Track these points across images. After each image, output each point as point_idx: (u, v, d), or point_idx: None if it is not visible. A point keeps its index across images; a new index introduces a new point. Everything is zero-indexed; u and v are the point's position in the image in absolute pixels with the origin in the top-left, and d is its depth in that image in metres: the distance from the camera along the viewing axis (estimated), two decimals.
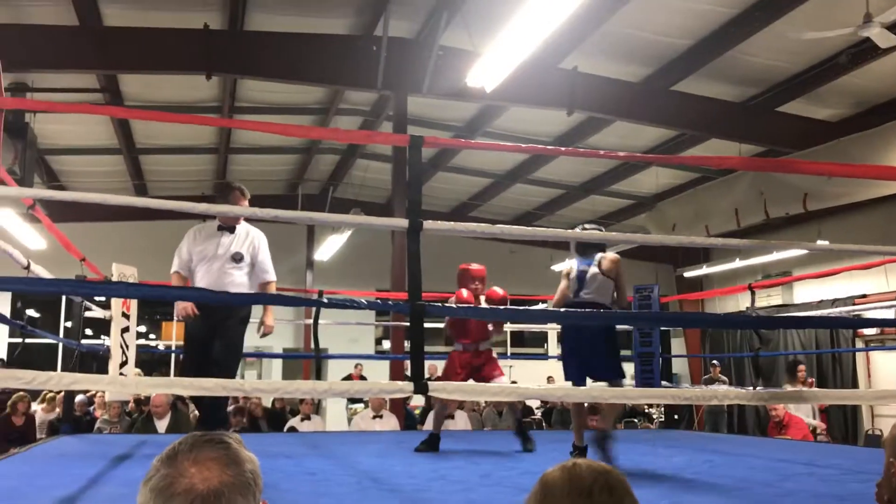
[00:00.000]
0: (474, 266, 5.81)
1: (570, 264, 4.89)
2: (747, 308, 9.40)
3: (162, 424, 7.30)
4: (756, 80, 9.71)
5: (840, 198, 10.14)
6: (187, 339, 4.79)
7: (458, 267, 5.89)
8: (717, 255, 15.48)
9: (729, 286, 12.65)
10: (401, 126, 9.88)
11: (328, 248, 14.23)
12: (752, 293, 7.42)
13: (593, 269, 4.73)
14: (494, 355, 5.87)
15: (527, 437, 5.62)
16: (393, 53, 9.28)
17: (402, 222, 3.10)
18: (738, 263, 13.54)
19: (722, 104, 10.27)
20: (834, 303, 11.70)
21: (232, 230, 4.82)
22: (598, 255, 4.78)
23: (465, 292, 5.65)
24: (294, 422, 8.72)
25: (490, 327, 5.80)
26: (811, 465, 4.79)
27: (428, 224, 3.09)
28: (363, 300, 3.17)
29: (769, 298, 14.47)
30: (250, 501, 1.12)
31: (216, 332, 4.55)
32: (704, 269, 15.04)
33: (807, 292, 13.65)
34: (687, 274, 15.63)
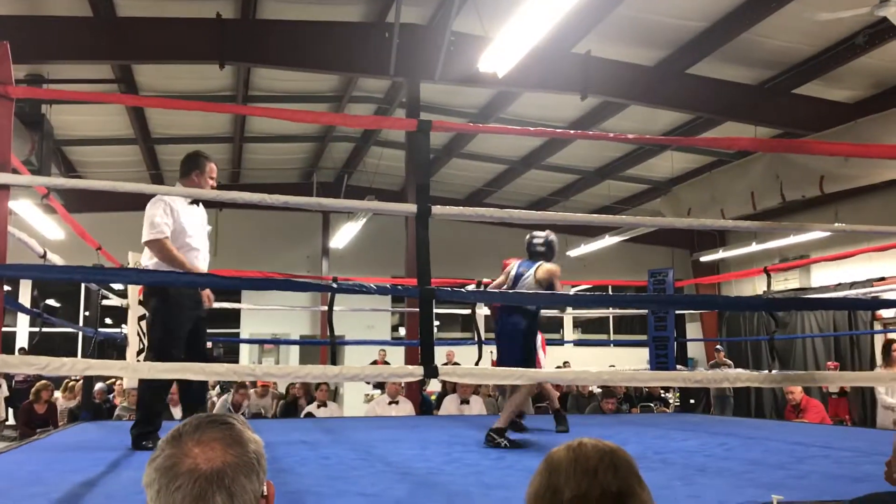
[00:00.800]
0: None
1: (514, 263, 5.24)
2: (764, 292, 9.37)
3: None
4: (772, 62, 9.62)
5: (857, 180, 10.04)
6: (178, 326, 4.23)
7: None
8: (733, 240, 15.40)
9: (745, 270, 12.59)
10: (414, 113, 9.88)
11: (343, 235, 14.28)
12: (768, 276, 7.39)
13: (528, 274, 5.07)
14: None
15: (561, 418, 5.67)
16: (405, 40, 9.27)
17: (411, 207, 3.12)
18: (754, 247, 13.46)
19: (737, 87, 10.18)
20: (852, 286, 11.60)
21: (198, 202, 4.40)
22: (539, 263, 5.10)
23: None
24: (311, 408, 8.79)
25: None
26: (827, 447, 4.77)
27: (437, 209, 3.10)
28: (373, 285, 3.20)
29: (786, 282, 14.39)
30: (254, 481, 1.14)
31: (202, 321, 4.41)
32: (720, 254, 14.97)
33: (824, 275, 13.56)
34: (703, 258, 15.56)
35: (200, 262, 4.33)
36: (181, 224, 4.21)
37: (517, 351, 4.94)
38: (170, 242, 4.12)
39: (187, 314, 4.26)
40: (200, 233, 4.35)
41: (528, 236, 5.36)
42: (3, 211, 2.73)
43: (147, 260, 4.19)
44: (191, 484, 1.09)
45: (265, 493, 1.17)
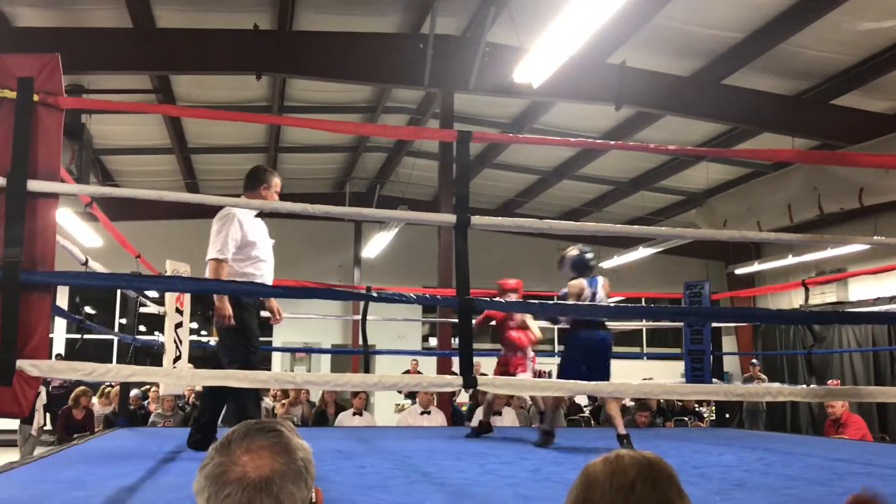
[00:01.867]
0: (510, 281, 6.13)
1: (582, 284, 5.29)
2: (801, 305, 9.23)
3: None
4: (810, 72, 9.51)
5: None
6: (251, 334, 4.30)
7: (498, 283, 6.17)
8: (769, 252, 15.21)
9: (781, 283, 12.42)
10: (447, 123, 9.91)
11: (375, 245, 14.34)
12: (806, 290, 7.26)
13: (600, 292, 5.29)
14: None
15: (545, 433, 5.64)
16: (440, 51, 9.31)
17: (450, 217, 3.12)
18: (790, 260, 13.28)
19: (774, 98, 10.07)
20: (891, 300, 11.41)
21: (263, 215, 4.47)
22: (600, 279, 5.33)
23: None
24: (345, 417, 8.80)
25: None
26: (869, 464, 4.69)
27: (476, 219, 3.10)
28: (412, 295, 3.20)
29: (823, 296, 14.16)
30: (301, 488, 1.15)
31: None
32: (756, 266, 14.78)
33: (862, 289, 13.34)
34: (738, 271, 15.38)
35: (266, 273, 4.42)
36: (249, 237, 4.29)
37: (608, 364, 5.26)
38: (225, 268, 4.19)
39: (258, 324, 4.37)
40: (267, 245, 4.45)
41: (575, 252, 5.50)
42: (52, 219, 2.78)
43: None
44: (239, 492, 1.11)
45: (314, 500, 1.18)
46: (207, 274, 4.18)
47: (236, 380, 2.77)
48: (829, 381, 10.18)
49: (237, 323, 4.17)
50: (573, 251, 5.51)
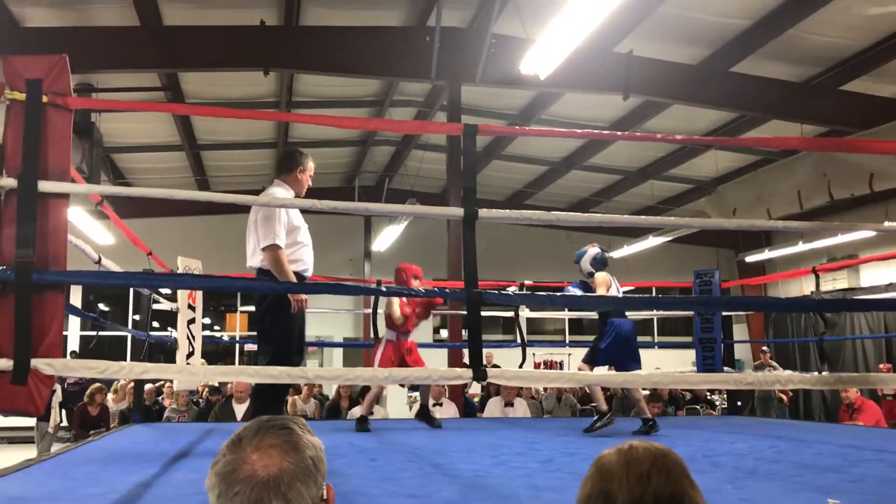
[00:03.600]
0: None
1: (608, 278, 5.70)
2: (812, 292, 9.19)
3: (241, 409, 7.52)
4: (818, 58, 9.45)
5: None
6: (294, 329, 4.23)
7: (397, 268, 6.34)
8: (779, 239, 15.15)
9: (792, 270, 12.38)
10: (455, 115, 9.91)
11: (385, 238, 14.37)
12: (817, 277, 7.25)
13: (616, 284, 5.77)
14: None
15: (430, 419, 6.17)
16: (446, 43, 9.30)
17: (458, 211, 3.13)
18: (801, 247, 13.22)
19: (783, 84, 10.02)
20: None
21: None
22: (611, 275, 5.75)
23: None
24: (358, 410, 8.82)
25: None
26: (882, 451, 4.68)
27: (483, 212, 3.11)
28: (421, 289, 3.22)
29: (834, 282, 14.11)
30: (311, 487, 1.15)
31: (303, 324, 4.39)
32: (766, 254, 14.73)
33: (874, 275, 13.28)
34: (749, 258, 15.33)
35: (308, 258, 4.34)
36: (294, 222, 4.23)
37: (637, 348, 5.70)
38: (284, 253, 4.08)
39: (299, 317, 4.26)
40: (306, 229, 4.35)
41: (598, 249, 5.89)
42: (63, 219, 2.81)
43: (258, 262, 4.16)
44: (248, 491, 1.12)
45: (325, 497, 1.19)
46: (267, 262, 4.05)
47: (248, 375, 2.80)
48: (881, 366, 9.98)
49: (279, 319, 4.12)
50: (595, 248, 5.89)
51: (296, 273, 4.15)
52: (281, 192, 4.29)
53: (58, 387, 10.84)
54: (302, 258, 4.27)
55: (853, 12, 7.81)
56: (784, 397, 10.83)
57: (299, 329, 4.28)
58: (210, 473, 1.17)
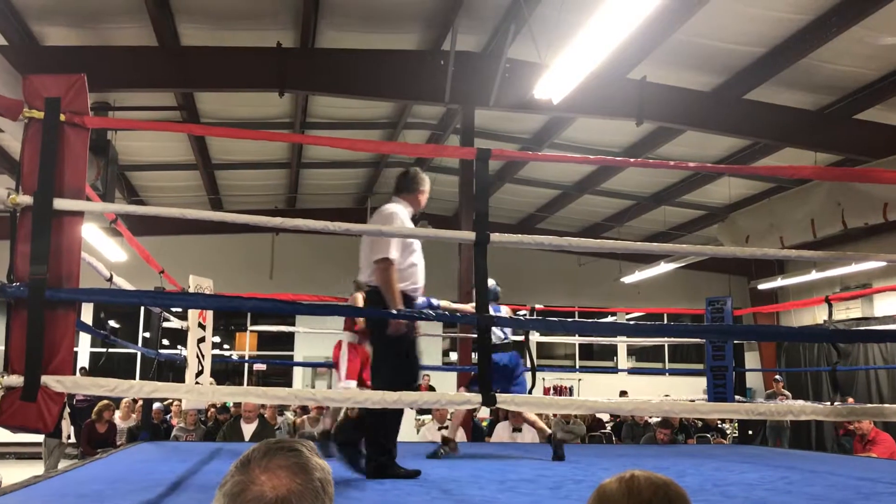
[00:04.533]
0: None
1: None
2: (825, 321, 9.13)
3: (249, 429, 7.51)
4: (832, 87, 9.46)
5: None
6: (411, 349, 4.25)
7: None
8: (792, 267, 15.07)
9: (805, 299, 12.30)
10: (468, 139, 9.94)
11: None
12: (830, 306, 7.19)
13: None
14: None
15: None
16: (460, 67, 9.36)
17: (470, 235, 3.13)
18: (814, 275, 13.15)
19: (797, 112, 10.02)
20: None
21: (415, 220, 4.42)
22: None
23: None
24: None
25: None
26: (894, 484, 4.61)
27: (495, 237, 3.11)
28: (431, 312, 3.21)
29: (848, 311, 14.01)
30: None
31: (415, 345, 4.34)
32: (779, 282, 14.65)
33: (888, 305, 13.17)
34: (761, 286, 15.25)
35: (420, 278, 4.36)
36: (408, 240, 4.25)
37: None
38: (395, 269, 4.08)
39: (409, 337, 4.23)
40: (419, 249, 4.38)
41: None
42: (77, 236, 2.83)
43: (366, 277, 4.19)
44: None
45: None
46: (376, 276, 4.06)
47: (255, 396, 2.79)
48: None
49: (392, 343, 4.07)
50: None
51: (405, 292, 4.14)
52: (401, 209, 4.31)
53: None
54: (414, 277, 4.28)
55: (867, 42, 7.82)
56: None
57: (407, 352, 4.20)
58: (218, 494, 1.17)
